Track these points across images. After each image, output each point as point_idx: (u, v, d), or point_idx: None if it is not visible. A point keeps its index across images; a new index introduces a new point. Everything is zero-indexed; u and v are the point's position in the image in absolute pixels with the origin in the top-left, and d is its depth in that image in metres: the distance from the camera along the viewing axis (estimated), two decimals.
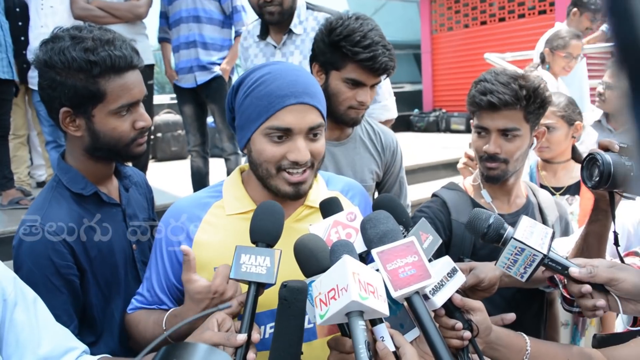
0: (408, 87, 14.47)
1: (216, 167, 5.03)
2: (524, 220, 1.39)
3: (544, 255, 1.31)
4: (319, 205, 1.45)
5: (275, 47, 2.70)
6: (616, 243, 1.58)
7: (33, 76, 4.60)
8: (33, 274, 1.50)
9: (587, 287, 1.33)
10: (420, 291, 1.12)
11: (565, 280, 1.60)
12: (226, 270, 1.31)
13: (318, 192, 1.59)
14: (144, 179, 1.99)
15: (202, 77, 4.43)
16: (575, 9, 5.26)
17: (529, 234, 1.34)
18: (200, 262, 1.41)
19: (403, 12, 14.90)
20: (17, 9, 4.99)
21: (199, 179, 4.68)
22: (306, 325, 1.45)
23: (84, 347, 1.42)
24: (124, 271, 1.72)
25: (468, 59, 12.05)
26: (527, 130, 1.91)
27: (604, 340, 1.67)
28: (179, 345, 0.80)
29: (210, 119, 4.85)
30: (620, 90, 0.38)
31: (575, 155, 2.95)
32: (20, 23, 4.92)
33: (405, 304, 1.21)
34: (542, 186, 2.71)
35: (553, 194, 2.65)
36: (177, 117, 8.14)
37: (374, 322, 1.14)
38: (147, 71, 4.36)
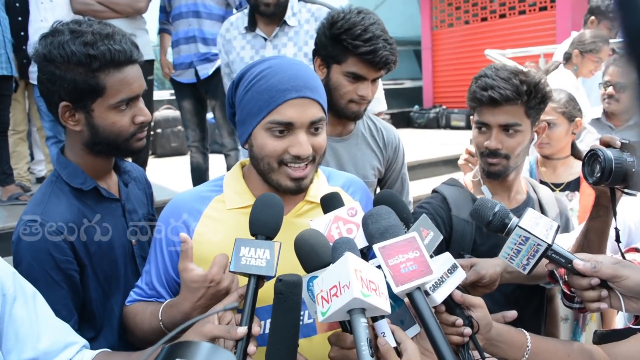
0: (408, 84, 14.46)
1: (216, 163, 5.02)
2: (530, 211, 1.39)
3: (549, 245, 1.31)
4: (319, 201, 1.45)
5: (265, 39, 2.67)
6: (617, 239, 1.57)
7: (33, 71, 4.59)
8: (33, 268, 1.50)
9: (596, 279, 1.33)
10: (421, 287, 1.12)
11: (566, 276, 1.60)
12: (223, 260, 1.32)
13: (319, 187, 1.59)
14: (143, 175, 1.99)
15: (205, 71, 4.40)
16: (592, 17, 5.23)
17: (534, 224, 1.34)
18: (200, 256, 1.41)
19: (403, 8, 14.87)
20: (17, 4, 4.98)
21: (199, 175, 4.67)
22: (306, 321, 1.46)
23: (83, 341, 1.42)
24: (123, 266, 1.72)
25: (468, 56, 12.04)
26: (528, 125, 1.91)
27: (605, 337, 1.67)
28: (182, 344, 0.79)
29: (210, 115, 4.84)
30: (629, 83, 0.38)
31: (574, 151, 2.96)
32: (20, 18, 4.90)
33: (406, 300, 1.21)
34: (541, 182, 2.71)
35: (553, 190, 2.65)
36: (176, 113, 8.13)
37: (374, 318, 1.13)
38: (147, 66, 4.35)
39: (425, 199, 2.11)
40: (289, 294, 1.11)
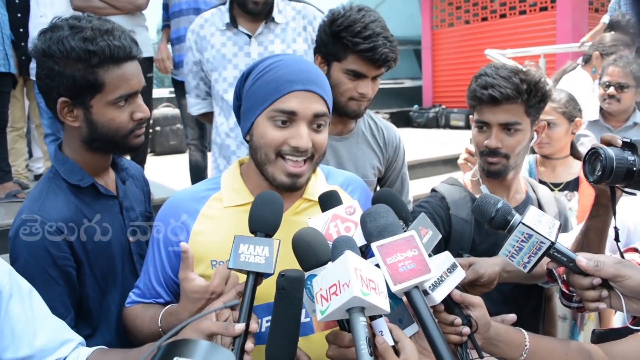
0: (408, 83, 14.47)
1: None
2: (532, 209, 1.38)
3: (552, 242, 1.30)
4: (317, 199, 1.44)
5: (249, 36, 2.64)
6: (617, 239, 1.57)
7: (34, 67, 4.58)
8: (30, 265, 1.50)
9: (598, 279, 1.32)
10: (419, 286, 1.11)
11: (565, 275, 1.59)
12: (225, 272, 1.29)
13: (317, 185, 1.58)
14: (140, 172, 1.99)
15: None
16: (612, 33, 5.23)
17: (537, 222, 1.33)
18: (197, 254, 1.41)
19: (404, 8, 14.87)
20: (17, 1, 4.96)
21: (198, 173, 4.67)
22: (303, 320, 1.45)
23: (80, 339, 1.42)
24: (120, 264, 1.72)
25: (468, 55, 12.04)
26: (528, 124, 1.91)
27: (603, 336, 1.67)
28: (181, 342, 0.78)
29: None
30: None
31: (574, 151, 2.96)
32: (19, 15, 4.89)
33: (404, 298, 1.21)
34: (540, 182, 2.71)
35: (552, 190, 2.65)
36: (175, 111, 8.12)
37: (372, 317, 1.13)
38: (147, 64, 4.34)
39: (424, 198, 2.11)
40: (291, 289, 1.11)
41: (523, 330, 1.39)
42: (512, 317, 1.43)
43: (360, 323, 1.01)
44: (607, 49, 4.49)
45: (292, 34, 2.67)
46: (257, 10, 2.56)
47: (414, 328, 1.26)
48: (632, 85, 3.60)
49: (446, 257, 1.33)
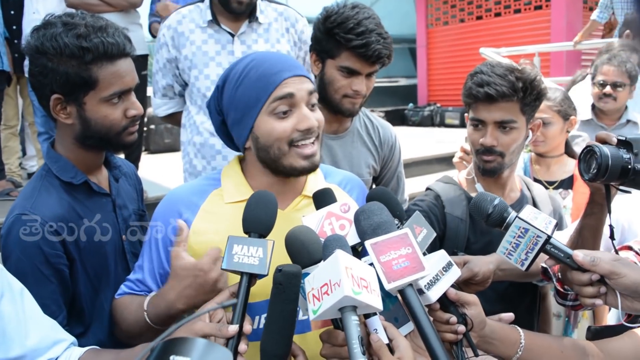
0: (403, 81, 14.46)
1: None
2: (528, 207, 1.39)
3: (548, 236, 1.31)
4: (312, 197, 1.44)
5: (232, 34, 2.61)
6: (612, 237, 1.57)
7: (28, 65, 4.56)
8: (22, 262, 1.49)
9: (597, 275, 1.33)
10: (414, 284, 1.11)
11: (560, 274, 1.60)
12: (215, 253, 1.33)
13: (316, 183, 1.58)
14: (133, 170, 1.98)
15: None
16: (628, 31, 5.22)
17: (534, 218, 1.34)
18: (197, 249, 1.41)
19: (398, 6, 14.85)
20: None
21: None
22: (300, 317, 1.45)
23: (72, 339, 1.41)
24: (113, 262, 1.71)
25: (463, 54, 12.04)
26: (523, 122, 1.91)
27: (598, 333, 1.67)
28: (177, 340, 0.78)
29: None
30: None
31: (568, 149, 2.97)
32: (12, 12, 4.86)
33: (399, 297, 1.20)
34: (535, 180, 2.71)
35: (546, 188, 2.65)
36: None
37: (367, 315, 1.13)
38: (141, 61, 4.33)
39: (419, 196, 2.10)
40: (289, 285, 1.11)
41: (518, 328, 1.39)
42: (510, 316, 1.43)
43: (353, 322, 1.00)
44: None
45: (275, 34, 2.65)
46: (240, 10, 2.54)
47: (409, 327, 1.26)
48: (626, 84, 3.62)
49: (441, 255, 1.32)
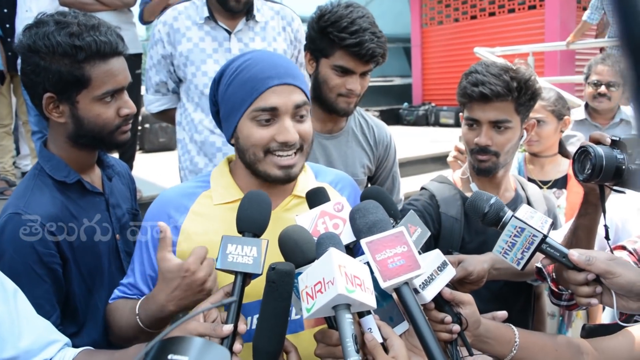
0: (397, 81, 14.50)
1: None
2: (524, 207, 1.39)
3: (544, 235, 1.31)
4: (305, 196, 1.43)
5: (229, 32, 2.60)
6: (607, 237, 1.58)
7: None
8: (15, 262, 1.48)
9: (592, 275, 1.33)
10: (409, 282, 1.11)
11: (554, 274, 1.60)
12: (201, 251, 1.32)
13: (307, 182, 1.58)
14: (126, 170, 1.98)
15: None
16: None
17: (529, 217, 1.34)
18: (187, 251, 1.40)
19: (393, 5, 14.88)
20: None
21: None
22: (293, 317, 1.45)
23: (65, 339, 1.40)
24: (107, 261, 1.70)
25: (458, 53, 12.07)
26: (518, 122, 1.91)
27: (593, 331, 1.67)
28: (175, 339, 0.78)
29: None
30: (628, 81, 0.39)
31: (562, 149, 2.98)
32: (5, 10, 4.83)
33: (394, 295, 1.20)
34: (529, 180, 2.72)
35: (540, 188, 2.66)
36: None
37: (361, 314, 1.12)
38: (135, 60, 4.31)
39: (414, 196, 2.10)
40: (282, 283, 1.10)
41: (513, 327, 1.39)
42: (503, 314, 1.43)
43: (346, 320, 1.00)
44: None
45: (272, 33, 2.65)
46: (238, 8, 2.53)
47: (404, 326, 1.26)
48: (620, 84, 3.63)
49: (436, 255, 1.32)
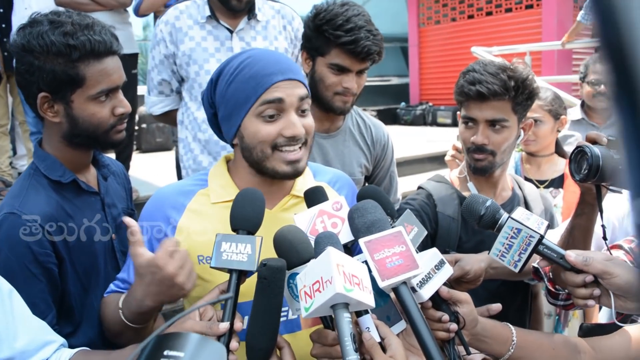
0: (395, 80, 14.50)
1: None
2: (520, 209, 1.40)
3: (541, 236, 1.31)
4: (303, 195, 1.43)
5: (230, 31, 2.59)
6: (604, 237, 1.58)
7: None
8: (10, 261, 1.47)
9: (590, 276, 1.33)
10: (407, 282, 1.11)
11: (551, 274, 1.60)
12: (170, 246, 1.28)
13: (305, 182, 1.57)
14: (122, 169, 1.97)
15: None
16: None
17: (525, 219, 1.34)
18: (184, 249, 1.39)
19: (390, 5, 14.88)
20: None
21: None
22: (290, 317, 1.44)
23: (61, 340, 1.39)
24: (103, 260, 1.70)
25: (455, 53, 12.08)
26: (515, 121, 1.91)
27: (590, 330, 1.68)
28: (171, 335, 0.78)
29: None
30: (607, 84, 0.40)
31: (558, 149, 2.98)
32: (1, 10, 4.81)
33: (392, 295, 1.20)
34: (526, 179, 2.72)
35: (537, 187, 2.67)
36: None
37: (359, 313, 1.12)
38: (131, 60, 4.30)
39: (411, 195, 2.10)
40: (273, 279, 1.10)
41: (510, 326, 1.39)
42: (497, 306, 1.43)
43: (345, 319, 1.00)
44: None
45: (273, 32, 2.65)
46: (240, 7, 2.53)
47: (401, 325, 1.26)
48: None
49: (434, 254, 1.32)
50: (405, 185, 4.74)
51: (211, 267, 1.19)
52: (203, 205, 1.50)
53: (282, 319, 1.16)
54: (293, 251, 1.17)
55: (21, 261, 1.48)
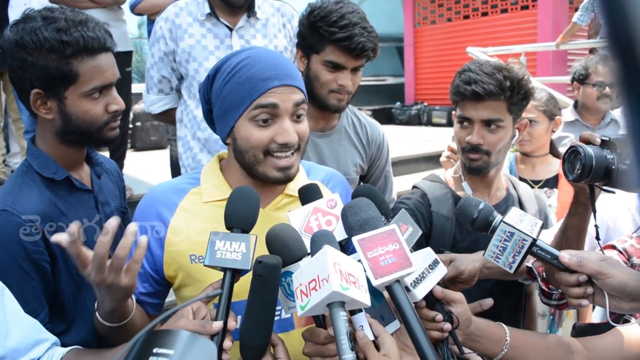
0: (390, 80, 14.51)
1: None
2: (514, 209, 1.40)
3: (534, 239, 1.31)
4: (297, 192, 1.42)
5: (230, 28, 2.59)
6: (598, 237, 1.58)
7: None
8: (3, 258, 1.46)
9: (584, 276, 1.33)
10: (401, 280, 1.11)
11: (545, 274, 1.60)
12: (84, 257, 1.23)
13: (298, 181, 1.56)
14: (115, 167, 1.97)
15: None
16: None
17: (519, 220, 1.34)
18: (176, 249, 1.39)
19: (386, 5, 14.89)
20: None
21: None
22: (283, 316, 1.44)
23: (54, 339, 1.38)
24: None
25: (450, 53, 12.09)
26: (510, 121, 1.91)
27: (583, 330, 1.68)
28: (161, 332, 0.77)
29: None
30: (616, 83, 0.40)
31: (553, 149, 2.99)
32: None
33: (385, 293, 1.20)
34: (520, 179, 2.73)
35: (532, 187, 2.67)
36: None
37: (352, 312, 1.12)
38: (125, 58, 4.28)
39: (406, 194, 2.10)
40: (268, 276, 1.10)
41: (504, 325, 1.40)
42: (489, 301, 1.44)
43: (341, 318, 1.00)
44: None
45: (273, 30, 2.65)
46: (239, 4, 2.52)
47: (395, 325, 1.26)
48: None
49: (428, 253, 1.32)
50: (400, 184, 4.74)
51: (205, 265, 1.18)
52: (195, 204, 1.49)
53: (275, 318, 1.15)
54: (285, 249, 1.17)
55: (14, 259, 1.47)
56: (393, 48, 15.04)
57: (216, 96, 1.45)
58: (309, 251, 1.17)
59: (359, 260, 1.10)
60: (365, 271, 1.08)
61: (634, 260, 1.57)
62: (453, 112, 2.02)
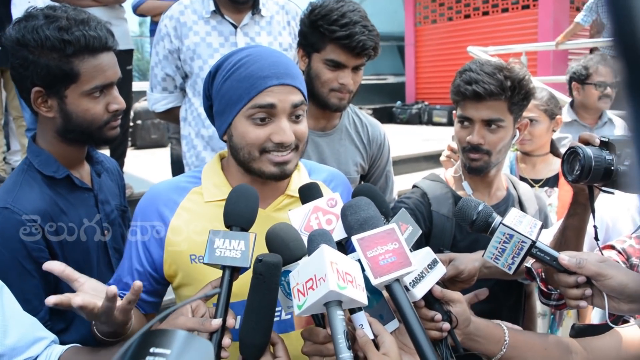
0: (391, 79, 14.49)
1: None
2: (513, 210, 1.39)
3: (533, 241, 1.31)
4: (298, 190, 1.42)
5: (235, 26, 2.58)
6: (596, 237, 1.58)
7: None
8: (3, 256, 1.47)
9: (583, 278, 1.33)
10: (400, 279, 1.11)
11: (544, 274, 1.60)
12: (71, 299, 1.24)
13: (300, 181, 1.56)
14: (115, 166, 1.97)
15: None
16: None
17: (518, 222, 1.34)
18: (176, 249, 1.39)
19: (387, 4, 14.87)
20: None
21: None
22: (283, 317, 1.44)
23: (52, 337, 1.39)
24: (96, 257, 1.69)
25: (451, 52, 12.08)
26: (511, 121, 1.91)
27: (582, 331, 1.68)
28: (157, 332, 0.77)
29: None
30: (620, 83, 0.40)
31: (553, 149, 2.99)
32: None
33: (385, 293, 1.20)
34: (521, 178, 2.73)
35: (532, 186, 2.67)
36: None
37: (352, 311, 1.12)
38: (126, 56, 4.28)
39: (406, 194, 2.10)
40: (269, 275, 1.10)
41: (503, 325, 1.40)
42: (484, 290, 1.44)
43: (338, 317, 1.00)
44: None
45: (277, 27, 2.65)
46: (244, 1, 2.52)
47: (394, 324, 1.26)
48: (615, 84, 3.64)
49: (427, 253, 1.32)
50: (401, 184, 4.73)
51: (204, 263, 1.18)
52: (196, 204, 1.49)
53: (275, 319, 1.15)
54: (285, 248, 1.17)
55: (14, 257, 1.48)
56: (394, 47, 15.03)
57: (216, 93, 1.45)
58: None
59: (358, 260, 1.10)
60: (364, 270, 1.08)
61: (633, 260, 1.57)
62: (454, 111, 2.02)
